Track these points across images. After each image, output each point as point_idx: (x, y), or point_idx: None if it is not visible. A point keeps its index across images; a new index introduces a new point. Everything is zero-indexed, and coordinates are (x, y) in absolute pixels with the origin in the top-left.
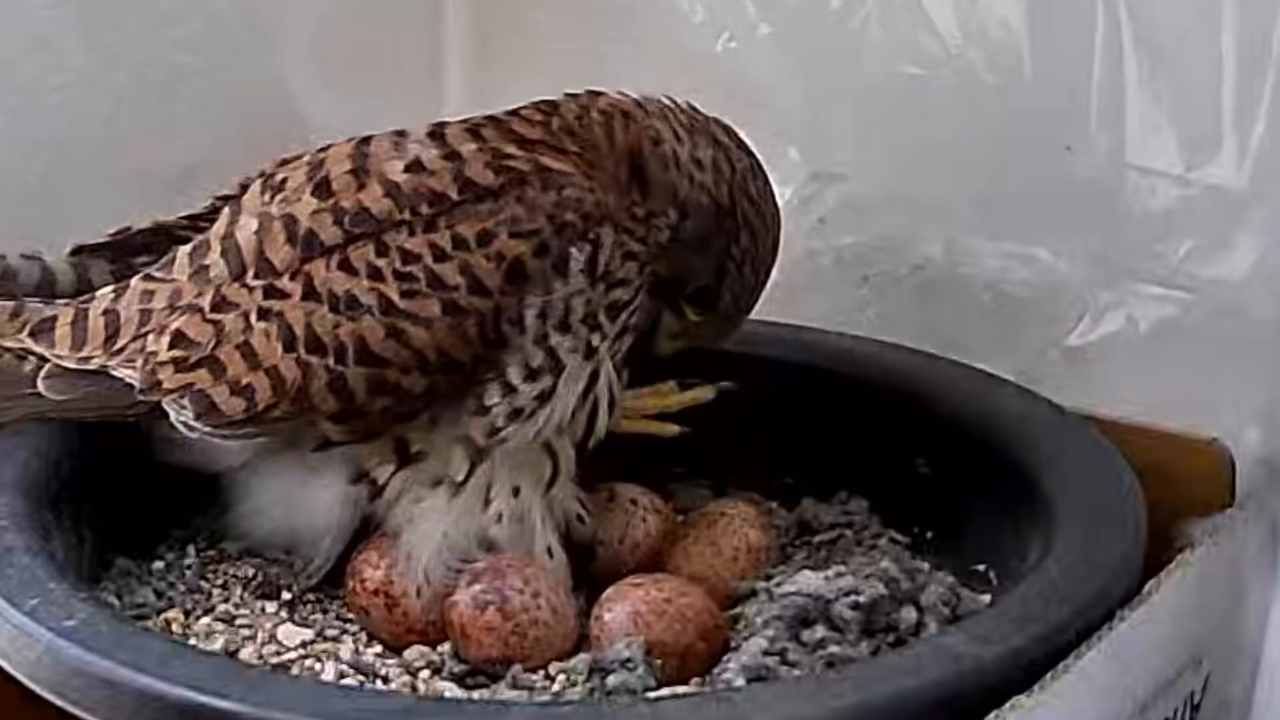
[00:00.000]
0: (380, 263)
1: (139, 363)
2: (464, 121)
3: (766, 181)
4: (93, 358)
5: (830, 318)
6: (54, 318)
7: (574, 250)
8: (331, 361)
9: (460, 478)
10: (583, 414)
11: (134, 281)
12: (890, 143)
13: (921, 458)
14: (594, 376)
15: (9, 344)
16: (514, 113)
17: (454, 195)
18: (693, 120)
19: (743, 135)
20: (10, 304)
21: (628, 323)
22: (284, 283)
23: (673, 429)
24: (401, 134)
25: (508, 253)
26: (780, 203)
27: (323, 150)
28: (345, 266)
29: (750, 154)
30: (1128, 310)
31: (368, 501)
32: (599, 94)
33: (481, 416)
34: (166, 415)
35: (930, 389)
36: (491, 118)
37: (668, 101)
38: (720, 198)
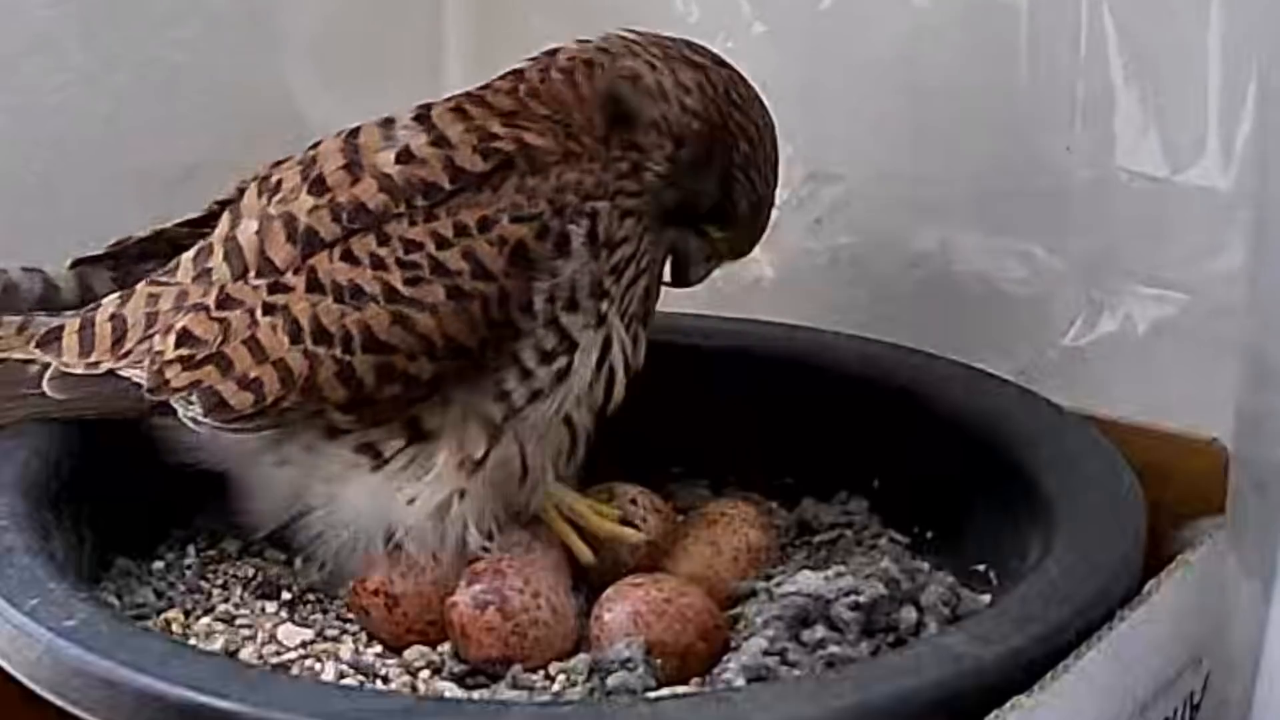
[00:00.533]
0: (382, 252)
1: (146, 363)
2: (448, 100)
3: (749, 85)
4: (100, 362)
5: (827, 317)
6: (60, 327)
7: (573, 228)
8: (339, 351)
9: (479, 455)
10: (600, 383)
11: (139, 287)
12: (887, 143)
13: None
14: (606, 344)
15: (18, 356)
16: (486, 86)
17: (446, 185)
18: (664, 49)
19: (714, 49)
20: (17, 319)
21: (634, 275)
22: (287, 278)
23: (588, 556)
24: (389, 121)
25: (510, 237)
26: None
27: (313, 147)
28: (348, 257)
29: (727, 65)
30: (1125, 310)
31: (369, 472)
32: (556, 50)
33: (501, 401)
34: (172, 413)
35: (930, 389)
36: (469, 94)
37: (631, 35)
38: (711, 117)
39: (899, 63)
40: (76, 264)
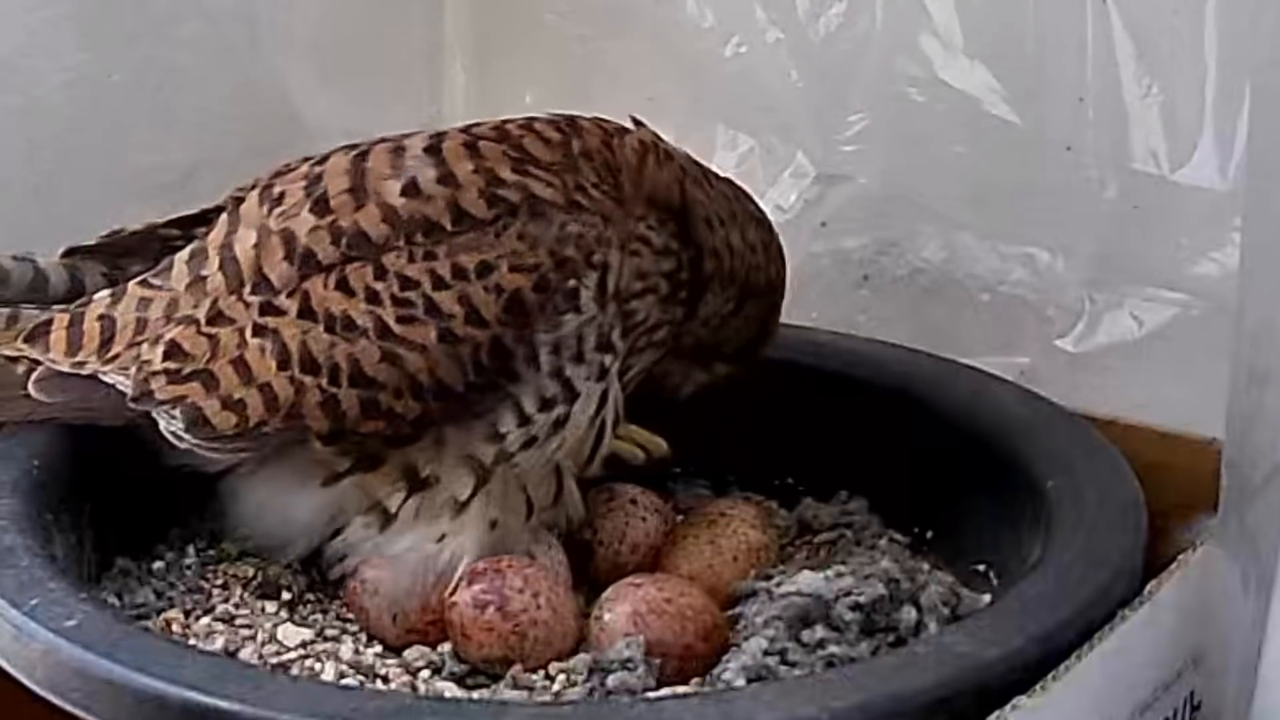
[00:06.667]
0: (378, 286)
1: (132, 371)
2: (464, 131)
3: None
4: (86, 362)
5: (831, 319)
6: (49, 322)
7: (584, 281)
8: (325, 382)
9: (465, 496)
10: (591, 435)
11: (130, 287)
12: (892, 145)
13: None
14: (604, 398)
15: (6, 352)
16: (529, 127)
17: (448, 226)
18: (731, 201)
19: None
20: (6, 310)
21: (638, 342)
22: (281, 300)
23: (640, 456)
24: (400, 147)
25: (507, 285)
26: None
27: (320, 162)
28: (343, 286)
29: (763, 213)
30: (1127, 310)
31: (383, 533)
32: (622, 127)
33: (495, 443)
34: (154, 423)
35: (930, 389)
36: (502, 126)
37: (701, 166)
38: (772, 278)
39: (905, 67)
40: (68, 254)
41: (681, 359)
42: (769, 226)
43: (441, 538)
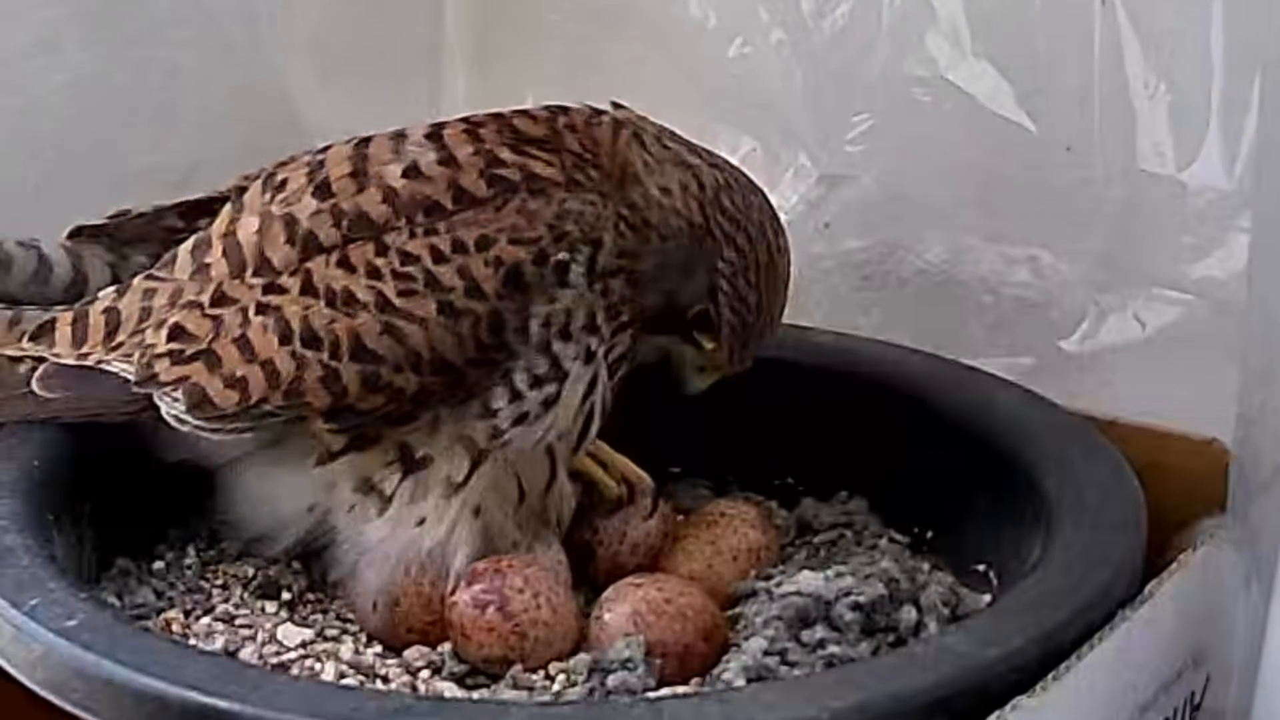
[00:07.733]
0: (379, 262)
1: (135, 356)
2: (464, 119)
3: (750, 193)
4: (91, 353)
5: (833, 320)
6: (53, 320)
7: (575, 256)
8: (326, 356)
9: (460, 478)
10: (580, 418)
11: (135, 281)
12: (895, 147)
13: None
14: (593, 382)
15: (9, 352)
16: (523, 111)
17: (449, 205)
18: (662, 147)
19: (721, 153)
20: (9, 313)
21: (619, 327)
22: (283, 280)
23: (615, 490)
24: (401, 135)
25: (506, 258)
26: (787, 207)
27: (322, 152)
28: (344, 264)
29: (725, 169)
30: (1130, 311)
31: (378, 515)
32: (600, 109)
33: (487, 420)
34: (157, 413)
35: (930, 389)
36: (497, 115)
37: (653, 128)
38: (693, 218)
39: (911, 67)
40: (74, 234)
41: (661, 334)
42: (703, 173)
43: (422, 521)
